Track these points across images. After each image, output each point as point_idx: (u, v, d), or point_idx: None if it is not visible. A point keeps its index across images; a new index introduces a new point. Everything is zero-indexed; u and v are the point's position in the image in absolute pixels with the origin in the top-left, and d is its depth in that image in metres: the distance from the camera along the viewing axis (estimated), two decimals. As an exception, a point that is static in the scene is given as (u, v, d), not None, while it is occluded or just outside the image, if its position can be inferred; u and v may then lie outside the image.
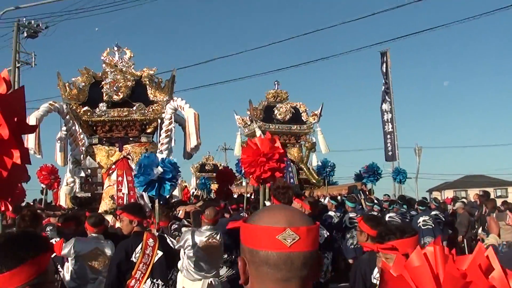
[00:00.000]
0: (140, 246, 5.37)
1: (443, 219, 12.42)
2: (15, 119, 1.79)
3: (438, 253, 1.87)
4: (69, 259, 6.07)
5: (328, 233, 7.25)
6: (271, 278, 1.45)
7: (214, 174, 19.57)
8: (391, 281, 1.82)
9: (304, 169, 17.99)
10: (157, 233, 6.25)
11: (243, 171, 7.80)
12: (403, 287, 1.80)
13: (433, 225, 11.48)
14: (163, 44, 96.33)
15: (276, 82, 19.30)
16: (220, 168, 22.26)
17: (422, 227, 11.32)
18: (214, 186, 17.57)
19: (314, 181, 17.73)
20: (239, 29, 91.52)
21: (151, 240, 5.45)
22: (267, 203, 7.76)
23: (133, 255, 5.34)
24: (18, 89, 1.54)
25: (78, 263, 5.96)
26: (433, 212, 12.31)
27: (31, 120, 10.30)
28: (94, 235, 6.27)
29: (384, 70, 23.64)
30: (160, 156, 7.13)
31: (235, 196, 14.23)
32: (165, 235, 6.40)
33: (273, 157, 6.32)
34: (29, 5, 13.79)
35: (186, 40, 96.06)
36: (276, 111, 18.37)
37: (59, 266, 6.33)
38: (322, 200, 14.73)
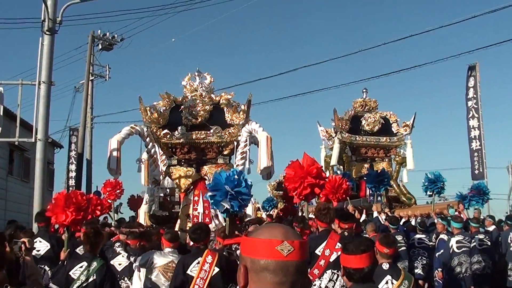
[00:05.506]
0: (197, 261, 5.79)
1: None
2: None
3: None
4: (142, 269, 6.54)
5: None
6: (269, 281, 1.77)
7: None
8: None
9: (394, 186, 16.78)
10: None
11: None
12: None
13: None
14: (244, 52, 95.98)
15: (364, 90, 18.39)
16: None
17: None
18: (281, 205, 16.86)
19: (405, 199, 16.64)
20: (325, 37, 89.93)
21: (209, 257, 5.85)
22: None
23: (189, 269, 5.78)
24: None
25: (154, 274, 6.42)
26: None
27: (113, 142, 11.00)
28: (169, 249, 6.73)
29: (472, 85, 22.88)
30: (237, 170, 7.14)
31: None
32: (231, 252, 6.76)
33: (311, 172, 6.49)
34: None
35: (269, 49, 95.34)
36: (363, 122, 17.49)
37: (124, 278, 6.90)
38: (412, 220, 13.85)
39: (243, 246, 1.86)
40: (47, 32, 12.93)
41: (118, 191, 13.16)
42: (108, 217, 14.49)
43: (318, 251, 6.37)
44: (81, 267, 5.83)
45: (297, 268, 1.78)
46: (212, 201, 6.77)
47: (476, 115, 22.52)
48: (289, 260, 1.76)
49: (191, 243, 10.17)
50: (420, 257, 10.64)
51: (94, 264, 5.84)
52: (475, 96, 22.61)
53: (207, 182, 11.93)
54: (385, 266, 5.38)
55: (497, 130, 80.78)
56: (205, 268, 5.74)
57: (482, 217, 13.75)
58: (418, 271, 10.45)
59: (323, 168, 16.23)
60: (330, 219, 6.59)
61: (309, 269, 6.36)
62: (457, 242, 9.53)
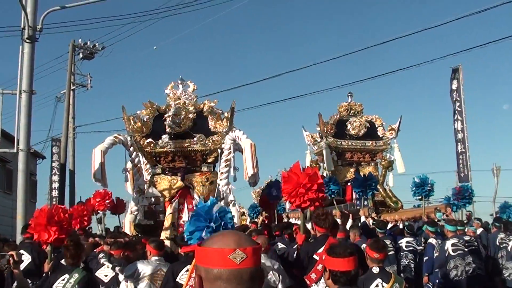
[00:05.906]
0: (186, 268, 5.72)
1: None
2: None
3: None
4: (130, 280, 6.43)
5: None
6: None
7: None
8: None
9: (380, 190, 16.33)
10: None
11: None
12: None
13: None
14: (228, 58, 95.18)
15: (349, 94, 18.26)
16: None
17: None
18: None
19: (391, 203, 16.28)
20: (309, 42, 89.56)
21: None
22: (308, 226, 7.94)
23: (178, 276, 5.70)
24: None
25: (142, 284, 6.33)
26: None
27: (96, 153, 10.83)
28: (156, 257, 6.66)
29: (456, 87, 22.85)
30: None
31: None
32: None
33: (312, 187, 6.46)
34: (74, 5, 13.61)
35: (254, 54, 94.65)
36: (349, 126, 17.31)
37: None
38: (399, 224, 13.70)
39: (196, 256, 1.84)
40: (27, 40, 12.76)
41: (107, 201, 13.04)
42: (91, 227, 14.32)
43: (316, 256, 6.35)
44: (63, 279, 5.74)
45: (251, 275, 1.77)
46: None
47: (460, 118, 22.53)
48: (242, 268, 1.74)
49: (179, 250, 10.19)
50: (408, 261, 10.62)
51: (76, 275, 5.75)
52: (458, 99, 22.62)
53: (191, 190, 11.91)
54: (375, 270, 5.37)
55: (483, 132, 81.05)
56: (194, 275, 5.66)
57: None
58: (403, 273, 10.43)
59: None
60: (329, 224, 6.59)
61: (306, 274, 6.33)
62: (453, 245, 9.28)
